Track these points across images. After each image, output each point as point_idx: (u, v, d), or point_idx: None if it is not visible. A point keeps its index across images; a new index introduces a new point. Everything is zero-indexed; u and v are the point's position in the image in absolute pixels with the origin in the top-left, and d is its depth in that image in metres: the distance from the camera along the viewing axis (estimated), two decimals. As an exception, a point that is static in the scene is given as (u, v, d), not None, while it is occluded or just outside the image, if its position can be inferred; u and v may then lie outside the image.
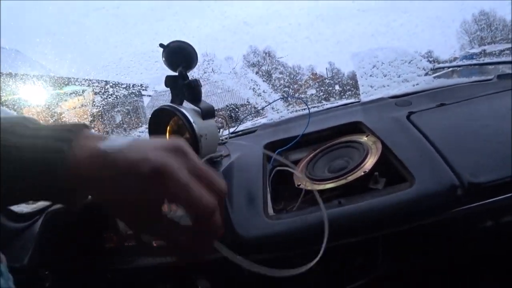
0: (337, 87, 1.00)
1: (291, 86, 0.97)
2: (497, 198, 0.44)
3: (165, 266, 0.59)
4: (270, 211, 0.51)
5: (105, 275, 0.63)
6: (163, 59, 0.59)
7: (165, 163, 0.24)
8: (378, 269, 0.50)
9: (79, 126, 0.26)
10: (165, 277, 0.64)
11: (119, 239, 0.65)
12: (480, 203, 0.44)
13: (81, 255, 0.64)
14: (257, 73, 0.97)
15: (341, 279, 0.49)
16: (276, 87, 0.86)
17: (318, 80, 0.98)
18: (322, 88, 0.94)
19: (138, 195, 0.24)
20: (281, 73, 0.94)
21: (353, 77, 0.89)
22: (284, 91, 0.86)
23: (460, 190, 0.44)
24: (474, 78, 0.88)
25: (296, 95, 0.91)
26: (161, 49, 0.60)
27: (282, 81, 0.88)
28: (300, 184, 0.56)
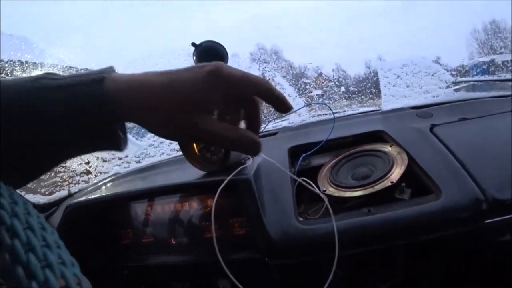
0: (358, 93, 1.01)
1: (312, 89, 0.99)
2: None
3: (184, 264, 0.61)
4: (297, 216, 0.53)
5: (122, 272, 0.65)
6: (194, 57, 0.60)
7: (218, 64, 0.26)
8: (399, 276, 0.52)
9: (107, 68, 0.27)
10: (183, 275, 0.66)
11: (135, 236, 0.66)
12: (504, 217, 0.46)
13: (98, 250, 0.65)
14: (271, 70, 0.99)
15: (363, 285, 0.51)
16: (301, 91, 0.88)
17: (335, 83, 0.99)
18: (343, 93, 0.96)
19: (194, 98, 0.25)
20: (306, 77, 0.95)
21: (376, 85, 0.91)
22: (308, 96, 0.88)
23: (485, 205, 0.45)
24: (492, 93, 0.89)
25: (321, 100, 0.92)
26: (193, 48, 0.61)
27: (307, 86, 0.89)
28: (325, 190, 0.58)
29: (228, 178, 0.55)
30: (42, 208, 0.80)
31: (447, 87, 0.87)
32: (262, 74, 0.94)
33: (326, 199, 0.52)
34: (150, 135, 0.88)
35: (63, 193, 0.88)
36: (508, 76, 0.93)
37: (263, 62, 1.00)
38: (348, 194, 0.54)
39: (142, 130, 0.91)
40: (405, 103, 0.86)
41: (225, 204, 0.59)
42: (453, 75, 0.87)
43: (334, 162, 0.66)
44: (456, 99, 0.85)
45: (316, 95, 1.04)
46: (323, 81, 1.04)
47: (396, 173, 0.53)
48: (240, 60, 0.97)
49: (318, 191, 0.56)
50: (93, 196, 0.67)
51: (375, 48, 1.08)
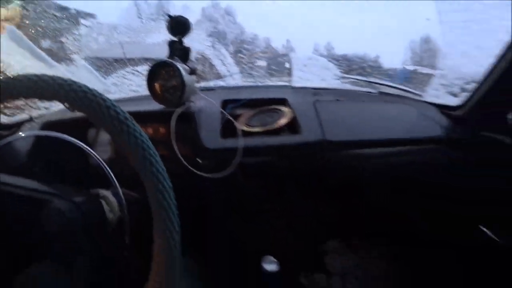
0: (286, 64, 1.32)
1: (246, 56, 1.27)
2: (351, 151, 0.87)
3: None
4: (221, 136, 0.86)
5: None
6: (168, 26, 0.85)
7: None
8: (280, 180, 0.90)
9: None
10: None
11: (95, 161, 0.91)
12: (337, 153, 0.87)
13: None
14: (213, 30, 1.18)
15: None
16: (237, 60, 1.18)
17: (270, 55, 1.29)
18: (271, 64, 1.28)
19: None
20: (253, 45, 1.20)
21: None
22: (243, 65, 1.19)
23: (326, 143, 0.85)
24: (365, 89, 1.33)
25: (252, 72, 1.25)
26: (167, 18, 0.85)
27: (244, 56, 1.19)
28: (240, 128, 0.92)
29: (181, 109, 0.84)
30: (4, 126, 0.96)
31: (337, 79, 1.27)
32: (208, 34, 1.15)
33: (239, 128, 0.85)
34: (115, 74, 1.08)
35: (25, 116, 1.03)
36: (377, 81, 1.39)
37: (213, 21, 1.16)
38: (252, 129, 0.89)
39: (110, 70, 1.11)
40: (308, 84, 1.24)
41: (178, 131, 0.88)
42: (342, 72, 1.28)
43: (251, 113, 1.00)
44: (341, 88, 1.26)
45: (256, 65, 1.34)
46: (266, 53, 1.32)
47: (282, 122, 0.90)
48: (190, 12, 1.08)
49: (235, 123, 0.89)
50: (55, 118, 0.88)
51: (329, 35, 1.32)
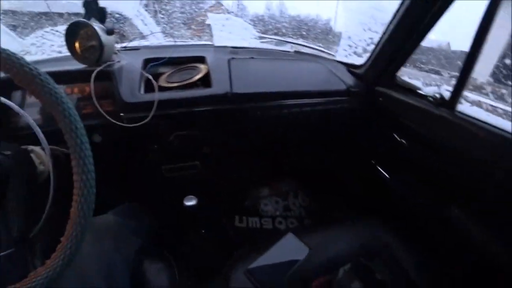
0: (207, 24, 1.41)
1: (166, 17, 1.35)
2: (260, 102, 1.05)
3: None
4: (142, 91, 0.98)
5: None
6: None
7: None
8: (197, 129, 1.05)
9: None
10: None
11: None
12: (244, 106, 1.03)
13: None
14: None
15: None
16: (158, 21, 1.26)
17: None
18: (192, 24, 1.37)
19: None
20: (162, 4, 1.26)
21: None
22: (164, 26, 1.26)
23: (230, 94, 1.01)
24: (280, 48, 1.49)
25: (172, 31, 1.33)
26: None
27: (163, 16, 1.26)
28: (161, 84, 1.03)
29: (99, 68, 0.93)
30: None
31: (255, 39, 1.41)
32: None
33: (155, 84, 0.97)
34: (33, 34, 1.09)
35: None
36: (294, 40, 1.55)
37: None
38: (169, 84, 1.01)
39: (27, 30, 1.11)
40: (229, 44, 1.36)
41: (99, 89, 0.97)
42: (259, 32, 1.42)
43: (171, 71, 1.11)
44: (258, 47, 1.40)
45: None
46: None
47: (196, 77, 1.03)
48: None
49: (151, 78, 1.00)
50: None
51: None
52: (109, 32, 0.95)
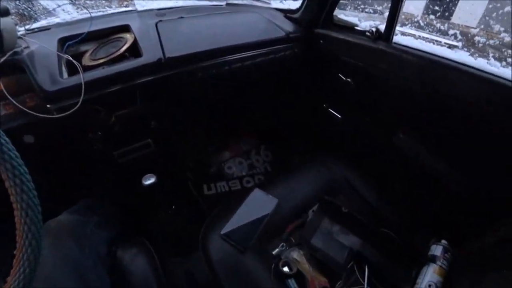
0: None
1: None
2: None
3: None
4: (65, 75, 0.86)
5: None
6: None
7: None
8: (137, 106, 0.97)
9: None
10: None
11: None
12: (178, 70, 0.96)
13: None
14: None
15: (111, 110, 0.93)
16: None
17: None
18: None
19: None
20: None
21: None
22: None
23: (163, 60, 0.93)
24: (212, 2, 1.39)
25: (83, 1, 1.16)
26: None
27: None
28: (85, 64, 0.92)
29: (2, 59, 0.79)
30: None
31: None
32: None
33: (78, 64, 0.86)
34: None
35: None
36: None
37: None
38: (95, 62, 0.91)
39: None
40: (153, 6, 1.23)
41: (12, 84, 0.84)
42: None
43: (95, 47, 0.99)
44: (185, 5, 1.29)
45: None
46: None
47: (123, 49, 0.93)
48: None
49: (71, 58, 0.88)
50: None
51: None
52: (3, 13, 0.80)
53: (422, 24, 1.25)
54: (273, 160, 1.64)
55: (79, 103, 0.80)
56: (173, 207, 1.33)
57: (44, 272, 0.69)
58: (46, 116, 0.81)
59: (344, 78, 1.20)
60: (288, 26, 1.30)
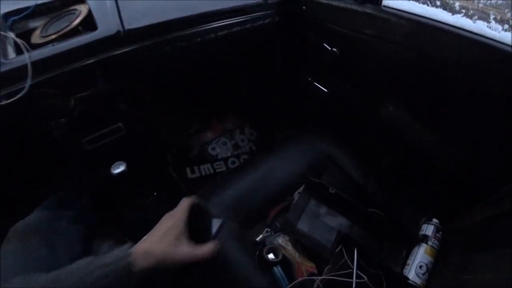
0: None
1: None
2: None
3: None
4: (12, 56, 0.76)
5: None
6: None
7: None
8: (99, 86, 0.87)
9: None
10: None
11: None
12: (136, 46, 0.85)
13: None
14: None
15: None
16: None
17: None
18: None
19: None
20: None
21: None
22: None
23: (123, 33, 0.82)
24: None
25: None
26: None
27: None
28: (34, 42, 0.81)
29: None
30: None
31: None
32: None
33: (21, 42, 0.75)
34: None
35: None
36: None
37: None
38: (45, 39, 0.79)
39: None
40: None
41: None
42: None
43: (45, 23, 0.87)
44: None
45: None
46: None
47: (76, 22, 0.82)
48: None
49: (15, 38, 0.77)
50: None
51: None
52: None
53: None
54: (258, 139, 1.57)
55: (27, 87, 0.70)
56: (155, 193, 1.26)
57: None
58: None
59: (330, 48, 1.11)
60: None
